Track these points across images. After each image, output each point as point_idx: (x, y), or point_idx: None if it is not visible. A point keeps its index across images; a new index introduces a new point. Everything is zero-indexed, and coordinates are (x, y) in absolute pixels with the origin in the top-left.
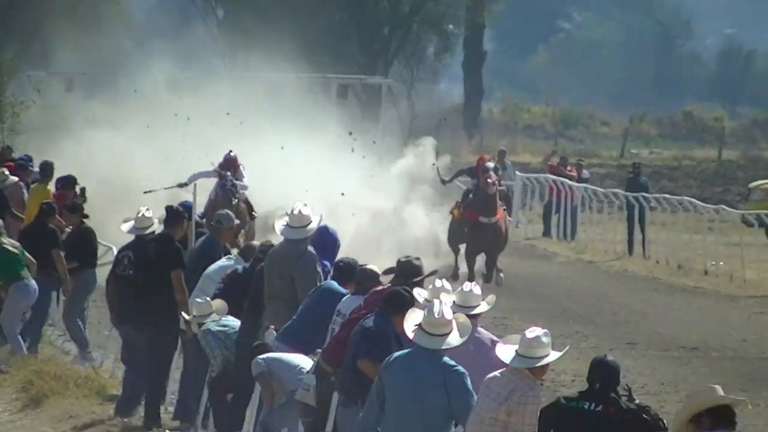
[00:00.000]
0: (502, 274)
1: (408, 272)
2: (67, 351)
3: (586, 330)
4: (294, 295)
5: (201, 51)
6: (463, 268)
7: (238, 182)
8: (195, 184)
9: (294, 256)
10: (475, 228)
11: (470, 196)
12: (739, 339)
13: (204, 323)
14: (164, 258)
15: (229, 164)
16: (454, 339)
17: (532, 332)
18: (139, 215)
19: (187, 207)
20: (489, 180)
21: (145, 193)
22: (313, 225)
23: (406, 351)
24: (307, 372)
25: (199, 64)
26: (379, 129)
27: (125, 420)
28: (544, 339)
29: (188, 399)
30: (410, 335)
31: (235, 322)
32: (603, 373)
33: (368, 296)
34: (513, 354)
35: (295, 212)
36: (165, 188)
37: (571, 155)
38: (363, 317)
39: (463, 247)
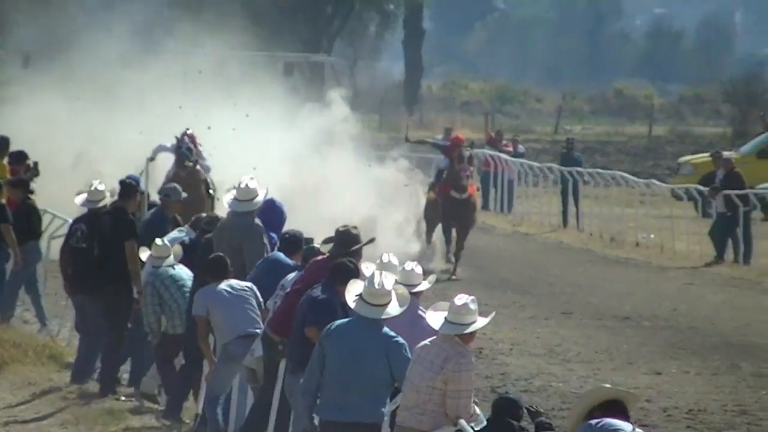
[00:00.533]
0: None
1: (346, 241)
2: (25, 320)
3: (524, 300)
4: (242, 265)
5: (151, 28)
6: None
7: (199, 160)
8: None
9: (242, 228)
10: (448, 201)
11: (444, 175)
12: (669, 309)
13: (160, 266)
14: (118, 229)
15: (187, 137)
16: (393, 309)
17: (460, 299)
18: (92, 189)
19: (135, 180)
20: (463, 171)
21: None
22: (260, 198)
23: (347, 320)
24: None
25: (149, 40)
26: (324, 105)
27: (81, 387)
28: (472, 306)
29: (139, 365)
30: (351, 305)
31: (187, 275)
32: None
33: (308, 265)
34: (442, 321)
35: (242, 186)
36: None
37: (507, 131)
38: (307, 287)
39: (439, 226)
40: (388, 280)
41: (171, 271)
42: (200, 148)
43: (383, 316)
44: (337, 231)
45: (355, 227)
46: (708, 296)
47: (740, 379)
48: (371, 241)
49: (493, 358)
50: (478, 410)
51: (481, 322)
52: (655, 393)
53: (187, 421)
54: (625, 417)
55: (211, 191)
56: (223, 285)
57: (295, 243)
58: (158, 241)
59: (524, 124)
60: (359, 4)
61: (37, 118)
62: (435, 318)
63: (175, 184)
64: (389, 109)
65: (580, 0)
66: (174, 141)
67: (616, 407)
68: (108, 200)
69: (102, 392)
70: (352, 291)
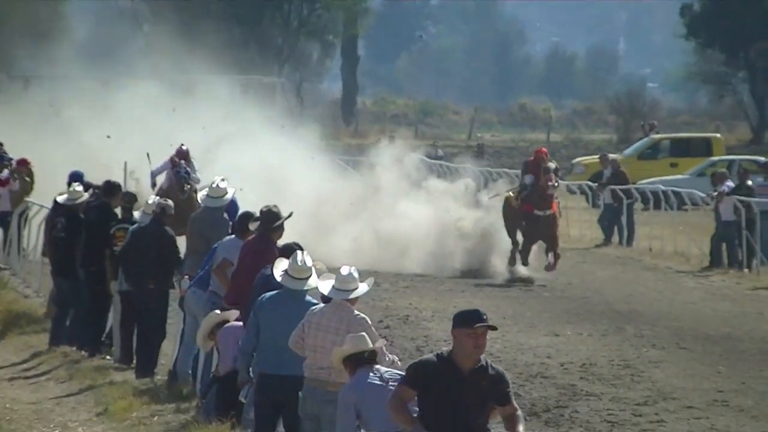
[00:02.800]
0: (558, 251)
1: (268, 218)
2: (26, 295)
3: (443, 277)
4: (208, 251)
5: (131, 58)
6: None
7: (191, 173)
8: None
9: (211, 220)
10: (532, 220)
11: (527, 190)
12: (565, 282)
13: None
14: (102, 221)
15: (181, 156)
16: (314, 281)
17: (345, 270)
18: (71, 189)
19: (79, 176)
20: (549, 182)
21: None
22: (228, 196)
23: (275, 292)
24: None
25: (129, 68)
26: (277, 119)
27: (73, 350)
28: (355, 274)
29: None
30: (278, 279)
31: None
32: None
33: (243, 244)
34: (331, 288)
35: (214, 185)
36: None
37: (429, 138)
38: (250, 263)
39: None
40: (309, 258)
41: None
42: (193, 161)
43: (305, 288)
44: (261, 211)
45: (276, 206)
46: (597, 272)
47: (624, 339)
48: (290, 215)
49: (418, 323)
50: (396, 358)
51: (362, 288)
52: (554, 351)
53: (160, 376)
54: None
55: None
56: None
57: (242, 221)
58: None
59: (443, 133)
60: (304, 36)
61: (35, 130)
62: (325, 286)
63: (170, 202)
64: (329, 122)
65: (489, 30)
66: (167, 159)
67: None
68: (85, 198)
69: (91, 353)
70: (280, 267)
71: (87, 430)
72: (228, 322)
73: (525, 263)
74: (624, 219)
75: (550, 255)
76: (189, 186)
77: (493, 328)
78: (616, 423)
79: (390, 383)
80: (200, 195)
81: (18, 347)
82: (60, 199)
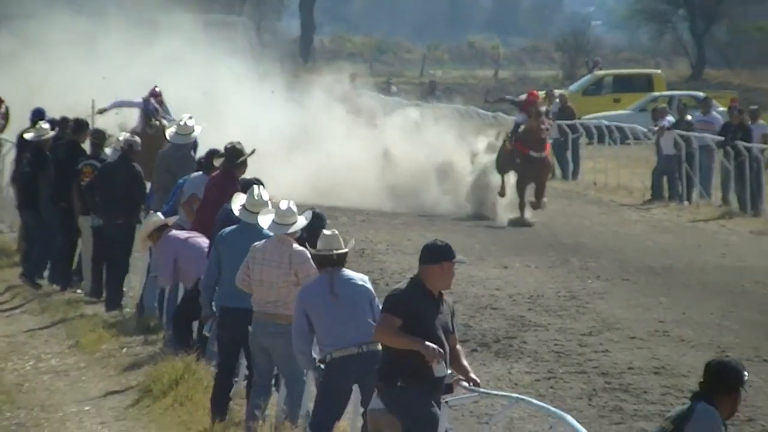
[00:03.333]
0: (545, 199)
1: (232, 155)
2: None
3: (396, 211)
4: (174, 187)
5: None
6: (509, 192)
7: (163, 114)
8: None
9: (178, 157)
10: (526, 161)
11: (520, 130)
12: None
13: None
14: (71, 158)
15: (153, 95)
16: (300, 223)
17: (284, 204)
18: (37, 126)
19: (41, 113)
20: (542, 126)
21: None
22: (196, 133)
23: (234, 226)
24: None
25: (94, 7)
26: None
27: (46, 284)
28: (293, 208)
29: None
30: (236, 213)
31: None
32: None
33: (208, 180)
34: (271, 222)
35: (182, 123)
36: (97, 113)
37: (383, 75)
38: (214, 198)
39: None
40: (266, 193)
41: None
42: (167, 105)
43: (289, 231)
44: (225, 147)
45: (240, 143)
46: None
47: (570, 271)
48: (252, 152)
49: (373, 256)
50: None
51: (301, 222)
52: (503, 283)
53: (128, 309)
54: None
55: None
56: None
57: (207, 158)
58: None
59: (397, 71)
60: None
61: (8, 69)
62: (265, 221)
63: (137, 139)
64: (288, 59)
65: None
66: (139, 99)
67: None
68: (50, 134)
69: (62, 287)
70: (237, 202)
71: (59, 362)
72: (168, 226)
73: (522, 205)
74: (569, 154)
75: (535, 199)
76: (157, 122)
77: (462, 262)
78: (562, 353)
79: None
80: (168, 132)
81: None
82: (27, 135)
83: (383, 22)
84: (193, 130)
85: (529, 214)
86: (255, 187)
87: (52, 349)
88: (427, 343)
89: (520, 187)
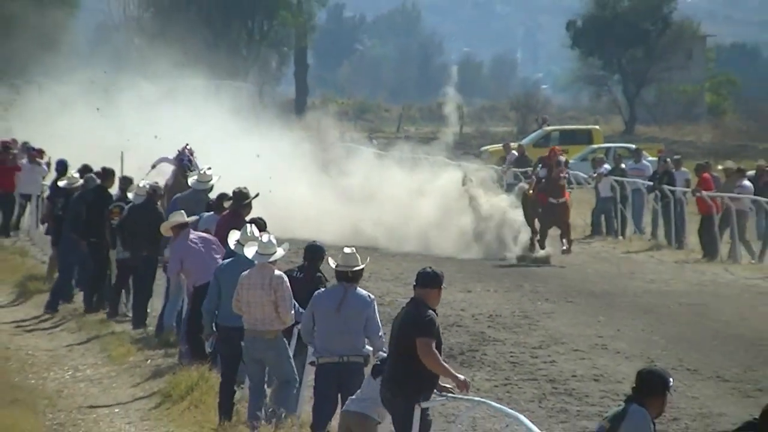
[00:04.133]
0: (569, 244)
1: (239, 198)
2: (42, 261)
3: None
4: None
5: (127, 65)
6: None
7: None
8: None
9: (196, 200)
10: (547, 207)
11: (543, 181)
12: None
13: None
14: (100, 201)
15: (186, 152)
16: (279, 253)
17: (266, 237)
18: (69, 176)
19: (63, 163)
20: (561, 173)
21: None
22: (213, 181)
23: (230, 259)
24: None
25: (126, 73)
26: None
27: (78, 305)
28: (273, 241)
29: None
30: (231, 246)
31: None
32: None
33: (219, 218)
34: (255, 252)
35: (202, 172)
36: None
37: (366, 131)
38: (227, 235)
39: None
40: (256, 230)
41: None
42: (195, 159)
43: (271, 259)
44: (233, 191)
45: (245, 188)
46: None
47: (523, 294)
48: (256, 195)
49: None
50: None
51: (280, 252)
52: (467, 304)
53: (150, 327)
54: None
55: None
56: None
57: (218, 201)
58: None
59: (377, 126)
60: (264, 47)
61: (48, 126)
62: (250, 251)
63: (158, 183)
64: (284, 117)
65: (414, 42)
66: (176, 153)
67: None
68: (80, 183)
69: (92, 310)
70: (233, 238)
71: (94, 371)
72: (187, 225)
73: (542, 247)
74: None
75: (564, 240)
76: (190, 172)
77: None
78: (517, 363)
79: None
80: (190, 180)
81: (37, 303)
82: (60, 183)
83: (365, 86)
84: (211, 179)
85: (545, 252)
86: (247, 225)
87: (87, 361)
88: (462, 377)
89: (543, 232)
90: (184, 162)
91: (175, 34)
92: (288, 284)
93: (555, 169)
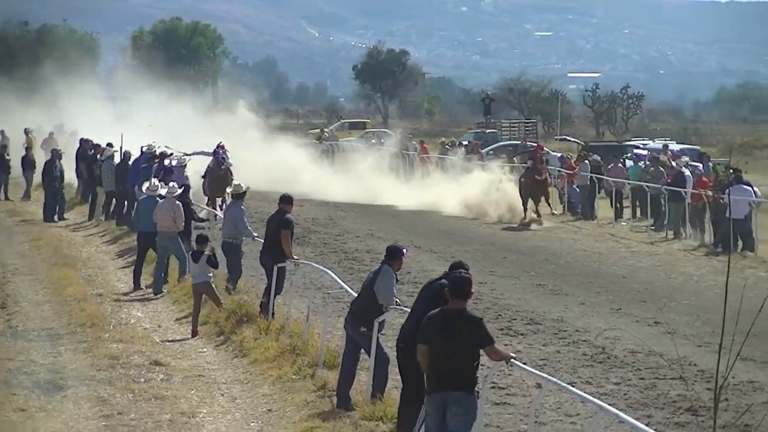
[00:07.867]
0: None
1: (239, 192)
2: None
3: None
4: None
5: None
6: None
7: (226, 159)
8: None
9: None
10: (534, 183)
11: (529, 166)
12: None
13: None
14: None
15: (221, 148)
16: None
17: (172, 184)
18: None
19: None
20: (543, 169)
21: (187, 155)
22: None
23: (146, 196)
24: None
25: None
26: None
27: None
28: (176, 186)
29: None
30: (144, 190)
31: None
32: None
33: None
34: (166, 191)
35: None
36: (186, 154)
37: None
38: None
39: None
40: (156, 182)
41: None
42: (228, 153)
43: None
44: (234, 186)
45: (245, 185)
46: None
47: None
48: (247, 189)
49: (345, 240)
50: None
51: (178, 190)
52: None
53: (165, 291)
54: None
55: (233, 179)
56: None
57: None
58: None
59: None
60: (196, 78)
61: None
62: (163, 192)
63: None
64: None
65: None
66: (213, 147)
67: None
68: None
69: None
70: (145, 186)
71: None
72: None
73: (525, 210)
74: None
75: (538, 210)
76: (224, 167)
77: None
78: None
79: None
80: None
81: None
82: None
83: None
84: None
85: (533, 215)
86: (153, 179)
87: (106, 239)
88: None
89: (524, 200)
90: (219, 156)
91: (154, 72)
92: (180, 207)
93: (538, 163)
